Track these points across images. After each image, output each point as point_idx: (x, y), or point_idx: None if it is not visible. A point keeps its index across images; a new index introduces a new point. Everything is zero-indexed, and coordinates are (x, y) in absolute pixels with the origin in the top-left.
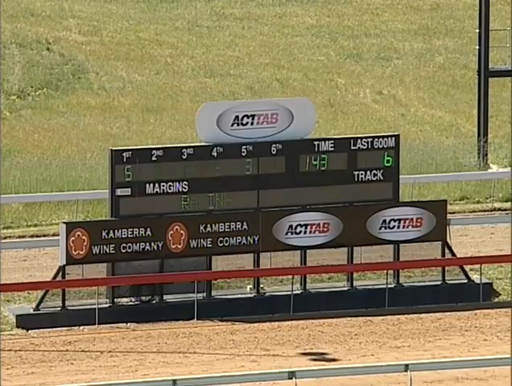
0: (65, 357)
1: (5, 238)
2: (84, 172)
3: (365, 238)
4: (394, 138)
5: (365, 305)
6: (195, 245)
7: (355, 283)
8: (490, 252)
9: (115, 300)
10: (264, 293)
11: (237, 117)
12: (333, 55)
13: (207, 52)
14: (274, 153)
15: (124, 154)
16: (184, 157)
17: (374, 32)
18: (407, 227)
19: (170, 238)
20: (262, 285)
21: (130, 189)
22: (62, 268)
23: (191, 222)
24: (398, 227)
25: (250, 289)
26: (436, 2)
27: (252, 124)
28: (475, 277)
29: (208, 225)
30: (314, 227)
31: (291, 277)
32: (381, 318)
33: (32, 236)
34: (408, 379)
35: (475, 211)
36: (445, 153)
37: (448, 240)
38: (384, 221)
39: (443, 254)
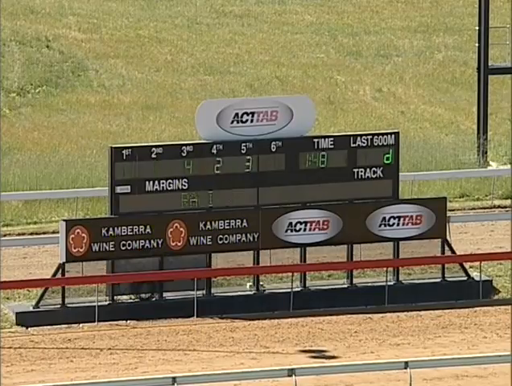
0: (65, 354)
1: (4, 235)
2: (84, 169)
3: (364, 235)
4: (393, 136)
5: (365, 303)
6: (194, 243)
7: (355, 280)
8: (490, 249)
9: (115, 297)
10: (264, 291)
11: (236, 114)
12: (333, 52)
13: (206, 50)
14: (273, 150)
15: (124, 152)
16: (184, 154)
17: (374, 30)
18: (407, 224)
19: (169, 235)
20: (261, 283)
21: (129, 186)
22: (62, 266)
23: (190, 219)
24: (398, 224)
25: (250, 286)
26: None
27: (252, 121)
28: (475, 274)
29: (208, 223)
30: (314, 224)
31: (290, 274)
32: (381, 315)
33: (32, 234)
34: (408, 376)
35: (475, 209)
36: (445, 151)
37: (448, 238)
38: (384, 218)
39: (443, 251)
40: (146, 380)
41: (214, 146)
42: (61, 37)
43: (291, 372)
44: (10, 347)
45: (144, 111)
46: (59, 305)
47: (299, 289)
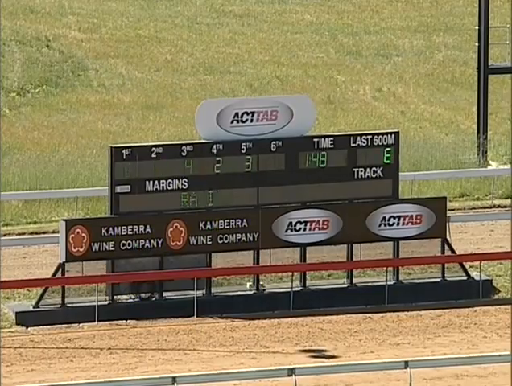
0: (65, 354)
1: (4, 235)
2: (84, 169)
3: (364, 235)
4: (393, 135)
5: (365, 303)
6: (194, 242)
7: (355, 280)
8: (490, 249)
9: (115, 297)
10: (264, 291)
11: (236, 114)
12: (333, 52)
13: (206, 49)
14: (273, 150)
15: (123, 151)
16: (184, 154)
17: (374, 29)
18: (407, 224)
19: (169, 235)
20: (261, 282)
21: (129, 186)
22: (62, 266)
23: (190, 219)
24: (398, 224)
25: (250, 286)
26: None
27: (252, 121)
28: (474, 273)
29: (208, 222)
30: (314, 224)
31: (290, 274)
32: (381, 315)
33: (32, 233)
34: (408, 376)
35: (475, 208)
36: (445, 151)
37: (448, 237)
38: (384, 218)
39: (443, 251)
40: (146, 380)
41: (214, 146)
42: (61, 37)
43: (291, 372)
44: (10, 347)
45: (144, 111)
46: (59, 305)
47: (299, 289)
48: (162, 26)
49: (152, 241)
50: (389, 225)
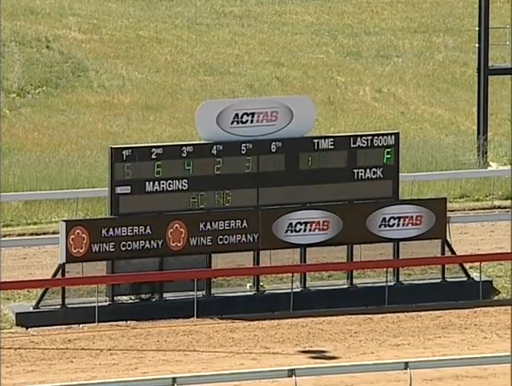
0: (65, 355)
1: (5, 236)
2: (84, 170)
3: (364, 236)
4: (393, 136)
5: (365, 303)
6: (194, 243)
7: (355, 281)
8: (490, 249)
9: (115, 298)
10: (264, 291)
11: (236, 114)
12: (333, 53)
13: (206, 50)
14: (273, 151)
15: (124, 152)
16: (184, 155)
17: (374, 30)
18: (407, 225)
19: (170, 236)
20: (261, 283)
21: (129, 187)
22: (62, 266)
23: (190, 220)
24: (398, 225)
25: (250, 287)
26: None
27: (252, 122)
28: (474, 274)
29: (208, 223)
30: (314, 225)
31: (290, 274)
32: (381, 315)
33: (32, 234)
34: (408, 377)
35: (475, 209)
36: (445, 151)
37: (448, 238)
38: (384, 219)
39: (443, 252)
40: (146, 381)
41: (214, 147)
42: (61, 37)
43: (291, 373)
44: (10, 348)
45: (144, 111)
46: (59, 306)
47: (299, 290)
48: (162, 27)
49: (152, 242)
50: (389, 226)
